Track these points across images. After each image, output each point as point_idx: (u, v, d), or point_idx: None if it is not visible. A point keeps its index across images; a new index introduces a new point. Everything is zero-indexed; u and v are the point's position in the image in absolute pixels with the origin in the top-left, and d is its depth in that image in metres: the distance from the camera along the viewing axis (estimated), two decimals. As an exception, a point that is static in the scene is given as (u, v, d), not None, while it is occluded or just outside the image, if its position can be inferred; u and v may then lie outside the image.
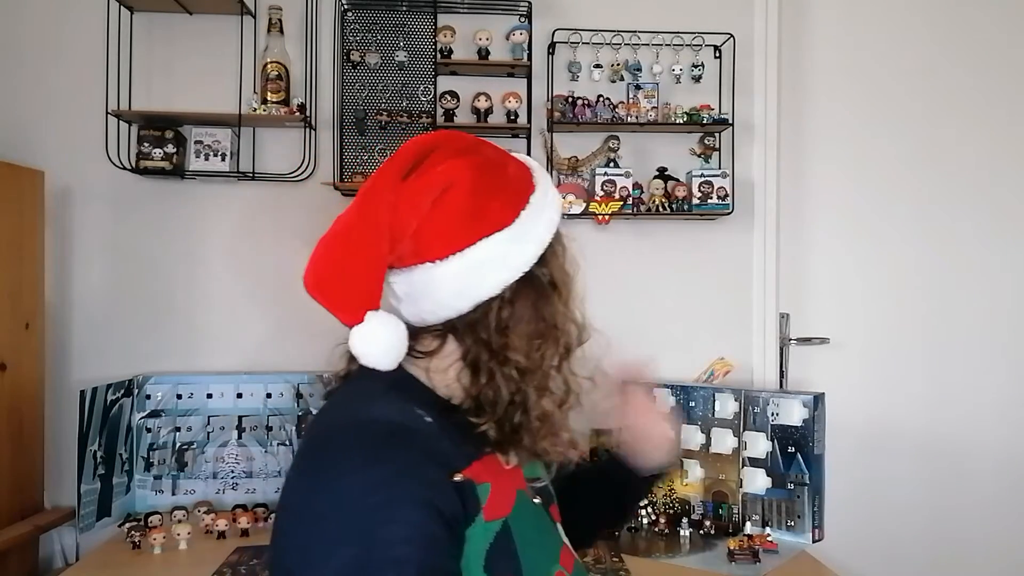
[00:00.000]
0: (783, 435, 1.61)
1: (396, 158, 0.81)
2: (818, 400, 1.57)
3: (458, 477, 0.73)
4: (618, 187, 1.94)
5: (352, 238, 0.78)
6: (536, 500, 0.84)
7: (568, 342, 0.84)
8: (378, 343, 0.76)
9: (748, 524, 1.63)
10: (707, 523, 1.66)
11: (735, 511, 1.67)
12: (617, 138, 2.01)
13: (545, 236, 0.82)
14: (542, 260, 0.82)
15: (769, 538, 1.55)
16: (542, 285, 0.82)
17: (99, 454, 1.70)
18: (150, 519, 1.67)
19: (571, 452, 0.85)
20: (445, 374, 0.82)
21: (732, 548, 1.51)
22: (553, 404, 0.82)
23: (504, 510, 0.77)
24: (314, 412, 1.79)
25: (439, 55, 1.94)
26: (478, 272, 0.78)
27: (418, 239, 0.78)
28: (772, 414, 1.62)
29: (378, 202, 0.78)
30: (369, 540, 0.65)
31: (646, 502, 1.70)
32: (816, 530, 1.57)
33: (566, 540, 0.90)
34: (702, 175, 1.96)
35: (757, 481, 1.65)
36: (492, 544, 0.75)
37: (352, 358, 0.82)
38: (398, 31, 1.96)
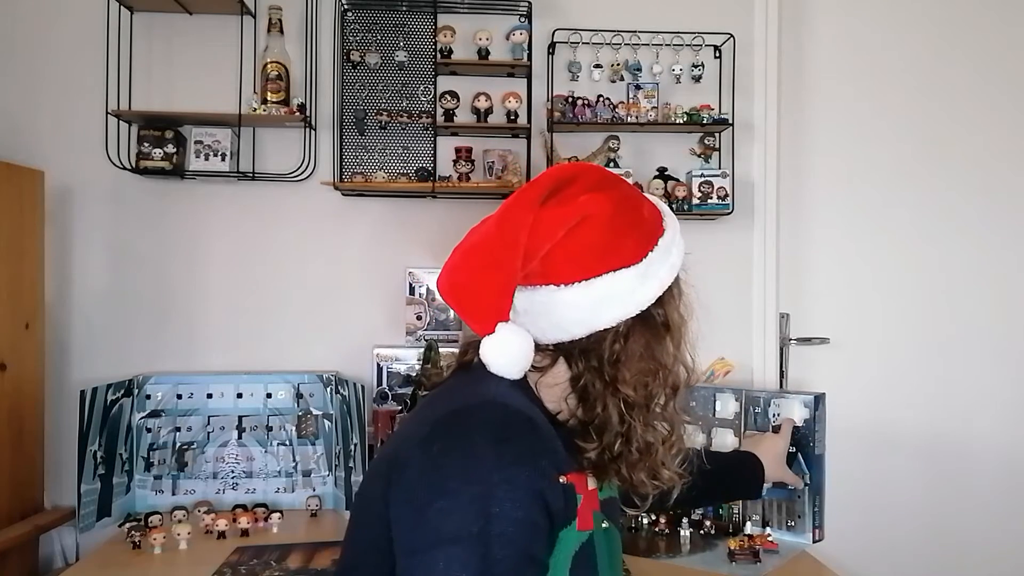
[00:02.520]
0: (784, 435, 1.61)
1: (535, 184, 0.85)
2: (819, 400, 1.57)
3: (563, 479, 0.79)
4: (618, 187, 1.93)
5: (489, 253, 0.82)
6: (604, 524, 0.88)
7: (676, 382, 0.88)
8: (508, 353, 0.81)
9: (748, 524, 1.62)
10: (707, 523, 1.66)
11: (735, 511, 1.67)
12: (617, 138, 2.01)
13: (667, 279, 0.87)
14: (659, 301, 0.86)
15: (770, 538, 1.55)
16: (656, 325, 0.87)
17: (99, 454, 1.70)
18: (150, 519, 1.67)
19: (670, 487, 0.89)
20: (552, 390, 0.87)
21: (733, 548, 1.50)
22: (656, 440, 0.86)
23: (589, 524, 0.83)
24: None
25: (439, 55, 1.94)
26: (599, 303, 0.82)
27: (547, 262, 0.81)
28: (774, 415, 1.62)
29: (517, 222, 0.81)
30: (485, 513, 0.70)
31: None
32: (816, 530, 1.56)
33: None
34: (702, 175, 1.96)
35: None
36: (578, 552, 0.80)
37: (464, 352, 0.90)
38: (398, 31, 1.96)
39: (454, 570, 0.68)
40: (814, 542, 1.56)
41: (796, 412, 1.59)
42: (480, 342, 0.82)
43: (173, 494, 1.83)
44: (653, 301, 0.85)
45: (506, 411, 0.78)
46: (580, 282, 0.81)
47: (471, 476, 0.72)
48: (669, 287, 0.87)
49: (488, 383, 0.82)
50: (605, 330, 0.83)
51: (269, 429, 1.87)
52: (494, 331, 0.80)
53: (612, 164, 1.98)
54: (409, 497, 0.74)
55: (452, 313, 1.97)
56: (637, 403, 0.84)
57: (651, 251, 0.85)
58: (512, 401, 0.80)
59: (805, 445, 1.55)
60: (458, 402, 0.81)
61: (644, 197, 0.91)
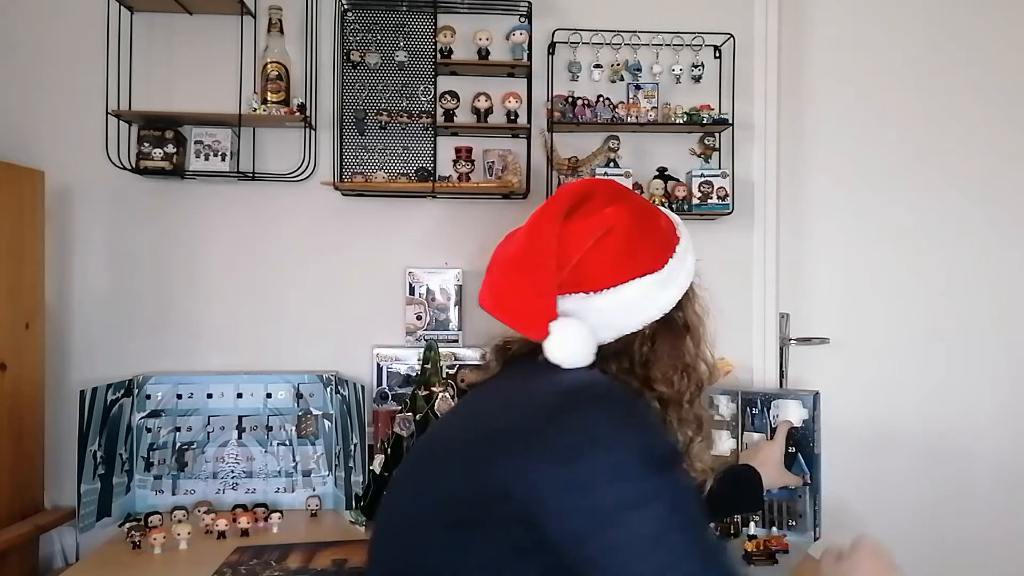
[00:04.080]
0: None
1: (556, 199, 0.92)
2: (816, 399, 1.58)
3: None
4: (618, 187, 1.93)
5: (524, 264, 0.88)
6: None
7: (700, 379, 0.95)
8: (573, 347, 0.86)
9: (752, 524, 1.62)
10: (712, 525, 1.65)
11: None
12: (617, 138, 2.00)
13: (685, 283, 0.94)
14: (679, 304, 0.93)
15: (785, 539, 1.54)
16: (678, 327, 0.94)
17: (99, 454, 1.70)
18: (150, 519, 1.67)
19: (703, 480, 0.95)
20: None
21: (749, 551, 1.50)
22: (690, 435, 0.93)
23: None
24: (304, 407, 1.78)
25: (439, 55, 1.94)
26: (627, 307, 0.88)
27: (578, 271, 0.87)
28: (774, 416, 1.62)
29: (545, 235, 0.88)
30: (654, 469, 0.74)
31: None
32: (816, 528, 1.57)
33: None
34: (702, 175, 1.96)
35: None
36: None
37: (505, 349, 0.97)
38: (398, 31, 1.96)
39: (658, 526, 0.71)
40: (815, 541, 1.56)
41: (793, 413, 1.59)
42: (519, 337, 0.89)
43: (173, 494, 1.83)
44: (674, 304, 0.92)
45: (620, 387, 0.86)
46: (608, 289, 0.87)
47: (630, 440, 0.75)
48: (687, 291, 0.94)
49: (573, 372, 0.86)
50: (633, 334, 0.90)
51: (269, 429, 1.87)
52: (549, 332, 0.84)
53: (612, 164, 1.98)
54: (573, 478, 0.73)
55: (453, 314, 1.98)
56: (672, 399, 0.91)
57: (671, 258, 0.92)
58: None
59: (804, 445, 1.56)
60: (566, 384, 0.83)
61: (659, 208, 0.99)
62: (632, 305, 0.88)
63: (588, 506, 0.72)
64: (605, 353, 0.89)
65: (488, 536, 0.76)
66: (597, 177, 1.87)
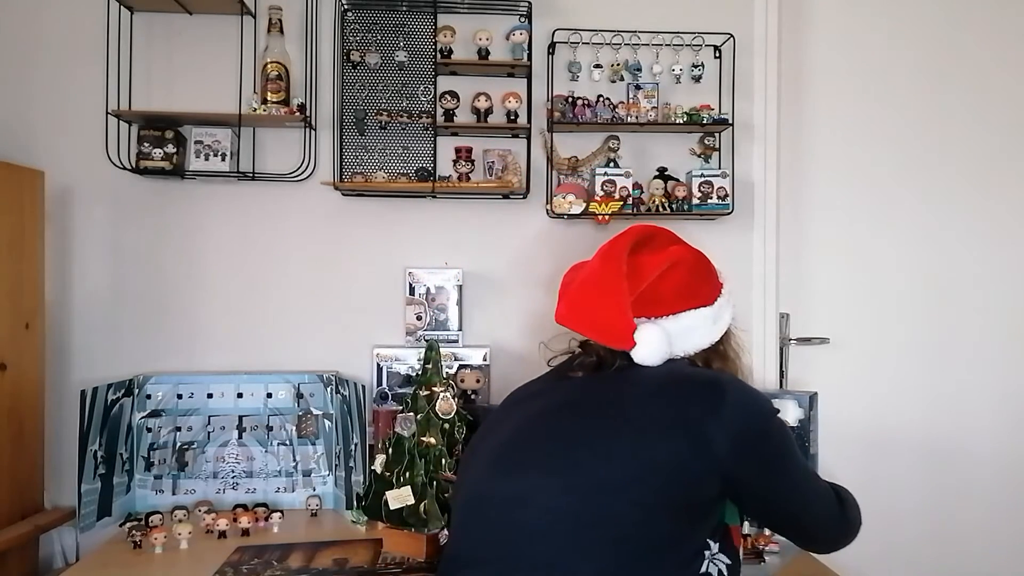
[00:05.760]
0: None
1: (624, 236, 1.07)
2: (812, 399, 1.58)
3: None
4: (618, 187, 1.94)
5: (601, 286, 1.02)
6: None
7: None
8: (658, 349, 1.01)
9: (746, 524, 1.62)
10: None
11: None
12: (617, 138, 2.01)
13: (728, 319, 1.12)
14: (722, 339, 1.11)
15: (773, 538, 1.54)
16: (725, 355, 1.11)
17: (100, 454, 1.71)
18: (151, 519, 1.67)
19: None
20: None
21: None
22: None
23: None
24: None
25: (439, 55, 1.94)
26: (683, 333, 1.04)
27: (644, 297, 1.02)
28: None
29: (616, 263, 1.02)
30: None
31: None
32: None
33: None
34: (702, 175, 1.96)
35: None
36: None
37: (593, 353, 1.08)
38: (398, 31, 1.96)
39: (810, 470, 1.06)
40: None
41: (790, 412, 1.60)
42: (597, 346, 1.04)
43: (173, 494, 1.83)
44: (719, 338, 1.08)
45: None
46: (670, 315, 1.03)
47: (775, 413, 1.01)
48: (728, 327, 1.12)
49: (685, 362, 1.06)
50: (683, 357, 1.05)
51: (269, 429, 1.88)
52: (635, 342, 0.98)
53: (612, 164, 1.98)
54: (766, 443, 0.98)
55: (453, 314, 1.98)
56: None
57: (719, 296, 1.09)
58: None
59: (801, 445, 1.56)
60: (708, 374, 1.04)
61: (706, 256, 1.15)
62: (688, 331, 1.04)
63: (783, 456, 0.99)
64: None
65: (704, 488, 0.93)
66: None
